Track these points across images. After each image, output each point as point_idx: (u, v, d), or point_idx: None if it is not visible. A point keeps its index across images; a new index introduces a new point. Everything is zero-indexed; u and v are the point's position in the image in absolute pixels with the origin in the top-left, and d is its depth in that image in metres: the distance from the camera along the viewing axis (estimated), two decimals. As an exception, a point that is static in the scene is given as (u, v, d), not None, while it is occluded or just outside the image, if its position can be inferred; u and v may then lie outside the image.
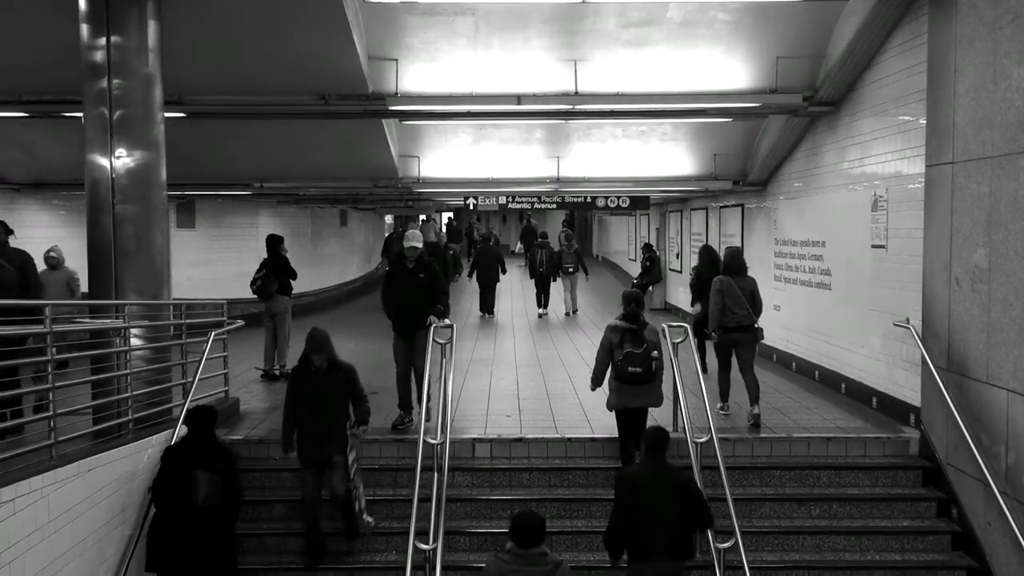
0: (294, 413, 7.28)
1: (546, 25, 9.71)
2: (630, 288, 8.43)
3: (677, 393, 8.06)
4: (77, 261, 9.04)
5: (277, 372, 11.42)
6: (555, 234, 22.27)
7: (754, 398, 8.79)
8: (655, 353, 7.72)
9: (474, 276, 19.07)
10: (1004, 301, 6.65)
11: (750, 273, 9.13)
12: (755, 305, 9.09)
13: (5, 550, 5.18)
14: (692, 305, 11.32)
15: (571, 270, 18.69)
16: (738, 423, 8.77)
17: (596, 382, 8.05)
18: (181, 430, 7.39)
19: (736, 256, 9.41)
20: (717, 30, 9.74)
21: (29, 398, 7.22)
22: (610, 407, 7.89)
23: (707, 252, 11.31)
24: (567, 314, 18.87)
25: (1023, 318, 6.43)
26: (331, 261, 25.19)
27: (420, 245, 8.74)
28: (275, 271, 11.57)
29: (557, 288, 19.67)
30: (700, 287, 10.61)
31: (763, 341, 9.07)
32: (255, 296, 11.63)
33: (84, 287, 8.17)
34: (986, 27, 6.82)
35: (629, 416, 7.81)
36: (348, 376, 7.36)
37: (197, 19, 8.36)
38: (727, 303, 8.90)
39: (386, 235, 30.56)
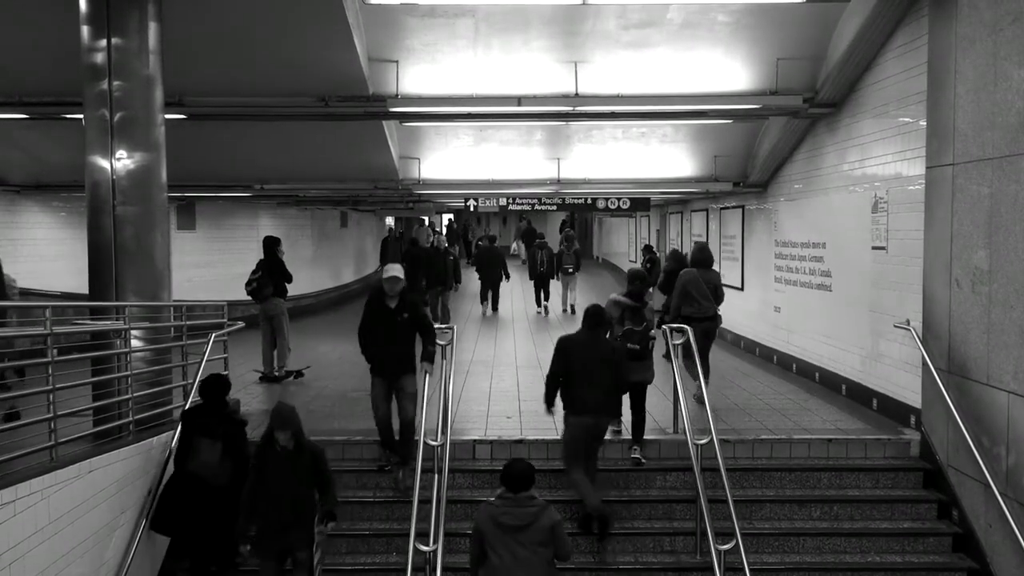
0: (253, 498, 6.36)
1: (546, 27, 9.71)
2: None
3: (677, 394, 8.06)
4: (78, 262, 9.02)
5: (277, 374, 11.40)
6: (551, 235, 22.64)
7: (706, 377, 9.08)
8: (653, 332, 8.19)
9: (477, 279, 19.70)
10: (1005, 303, 6.65)
11: (755, 276, 9.25)
12: (717, 297, 9.76)
13: (5, 551, 5.17)
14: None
15: (571, 270, 19.13)
16: (738, 424, 8.76)
17: None
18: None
19: (703, 250, 10.12)
20: (717, 32, 9.74)
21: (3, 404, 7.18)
22: None
23: (675, 254, 12.04)
24: (564, 311, 19.22)
25: (1023, 319, 6.44)
26: (331, 263, 25.19)
27: (401, 276, 7.78)
28: (270, 273, 11.51)
29: (556, 288, 19.82)
30: (668, 283, 10.94)
31: (764, 342, 9.17)
32: (250, 298, 11.60)
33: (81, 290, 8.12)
34: (986, 28, 6.82)
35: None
36: (316, 458, 6.44)
37: (198, 21, 8.36)
38: (695, 295, 9.41)
39: (383, 238, 28.68)
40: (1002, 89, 6.63)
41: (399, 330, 7.77)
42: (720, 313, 9.80)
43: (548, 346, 14.17)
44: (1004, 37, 6.59)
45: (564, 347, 7.43)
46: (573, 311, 18.79)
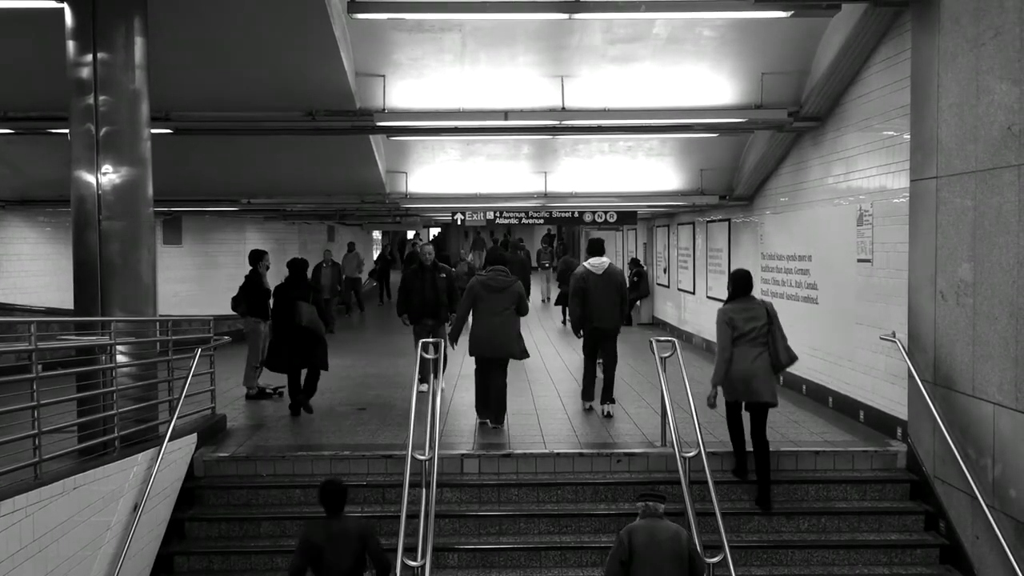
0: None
1: (533, 41, 9.75)
2: None
3: (665, 407, 8.07)
4: (63, 277, 8.99)
5: (249, 393, 11.25)
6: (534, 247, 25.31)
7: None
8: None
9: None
10: (989, 315, 6.69)
11: None
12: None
13: (-11, 570, 5.14)
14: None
15: (547, 265, 25.54)
16: (726, 437, 8.74)
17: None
18: (175, 444, 7.40)
19: (568, 263, 16.96)
20: (703, 46, 9.80)
21: None
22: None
23: (567, 259, 16.78)
24: (543, 301, 23.92)
25: (1008, 331, 6.47)
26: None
27: None
28: (244, 289, 11.19)
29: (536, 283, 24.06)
30: (562, 278, 16.79)
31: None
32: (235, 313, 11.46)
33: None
34: (969, 43, 6.89)
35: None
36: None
37: (184, 35, 8.36)
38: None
39: (316, 264, 19.89)
40: (984, 103, 6.69)
41: None
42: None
43: (535, 359, 14.22)
44: (986, 51, 6.66)
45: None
46: (549, 301, 22.31)
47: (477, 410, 9.60)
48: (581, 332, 9.93)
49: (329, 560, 5.82)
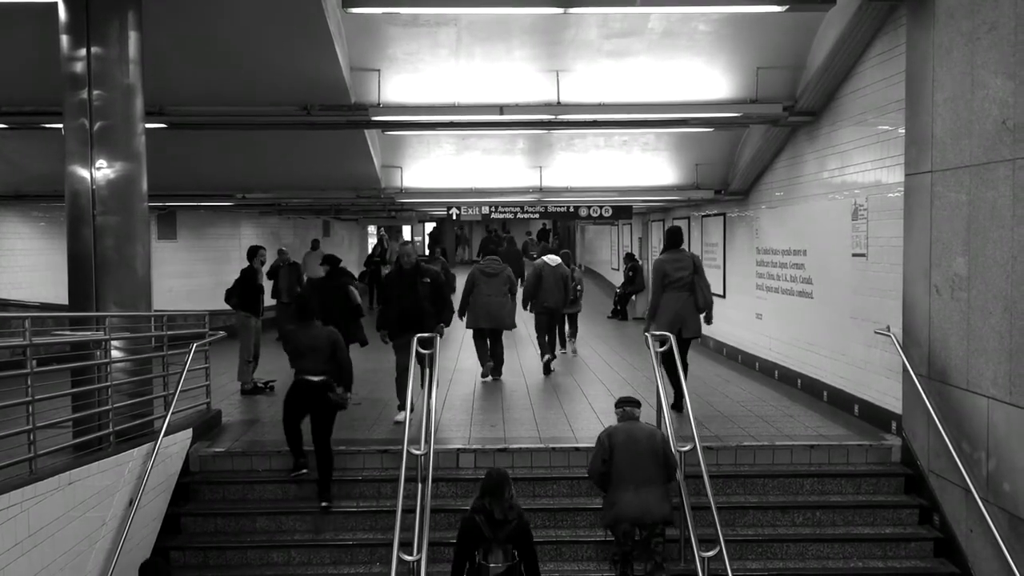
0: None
1: (528, 36, 9.73)
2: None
3: (660, 402, 8.07)
4: (57, 273, 8.97)
5: (243, 388, 11.30)
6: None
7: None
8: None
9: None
10: (983, 309, 6.71)
11: (736, 283, 9.74)
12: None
13: (-16, 565, 5.13)
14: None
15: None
16: (721, 431, 8.79)
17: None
18: (170, 439, 7.39)
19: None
20: (698, 41, 9.79)
21: None
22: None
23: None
24: None
25: (1002, 326, 6.49)
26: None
27: None
28: (239, 283, 11.45)
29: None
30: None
31: (746, 349, 9.37)
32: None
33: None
34: (963, 37, 6.90)
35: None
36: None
37: (179, 30, 8.33)
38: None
39: (273, 263, 16.10)
40: (979, 97, 6.70)
41: None
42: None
43: (530, 354, 14.24)
44: (981, 46, 6.67)
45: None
46: None
47: (480, 362, 11.98)
48: (531, 308, 12.73)
49: (307, 357, 8.08)
